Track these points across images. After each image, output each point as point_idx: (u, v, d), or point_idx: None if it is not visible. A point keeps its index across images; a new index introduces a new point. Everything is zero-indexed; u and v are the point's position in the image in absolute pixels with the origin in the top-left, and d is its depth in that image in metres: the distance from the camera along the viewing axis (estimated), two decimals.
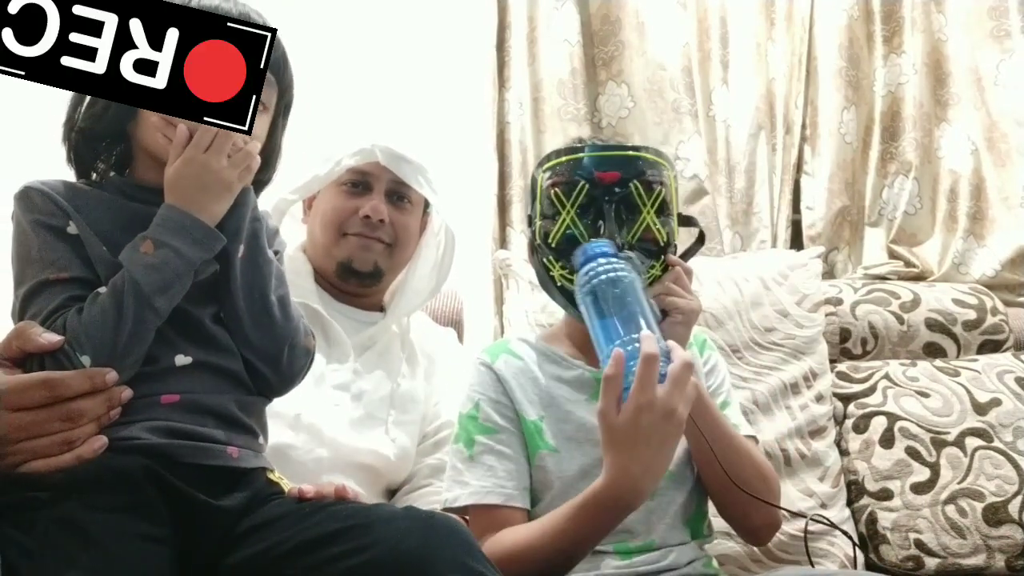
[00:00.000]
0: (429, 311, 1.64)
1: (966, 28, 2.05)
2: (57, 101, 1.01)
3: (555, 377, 1.23)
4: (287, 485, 1.00)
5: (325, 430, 1.26)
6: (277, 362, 1.01)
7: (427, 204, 1.45)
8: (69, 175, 1.02)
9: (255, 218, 1.00)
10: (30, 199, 0.95)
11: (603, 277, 1.05)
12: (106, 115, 0.98)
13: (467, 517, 1.18)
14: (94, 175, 1.02)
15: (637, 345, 0.98)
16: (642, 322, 1.01)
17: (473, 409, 1.21)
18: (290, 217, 1.43)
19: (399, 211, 1.40)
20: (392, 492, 1.37)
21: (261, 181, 1.03)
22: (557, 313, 1.68)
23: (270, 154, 1.06)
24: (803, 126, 2.06)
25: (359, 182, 1.39)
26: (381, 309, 1.47)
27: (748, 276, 1.74)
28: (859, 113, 2.05)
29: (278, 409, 1.11)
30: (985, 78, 2.03)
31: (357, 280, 1.40)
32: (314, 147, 1.41)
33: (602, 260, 1.07)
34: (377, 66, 1.97)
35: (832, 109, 2.03)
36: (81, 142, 1.01)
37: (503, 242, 1.98)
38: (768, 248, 1.99)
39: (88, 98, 1.00)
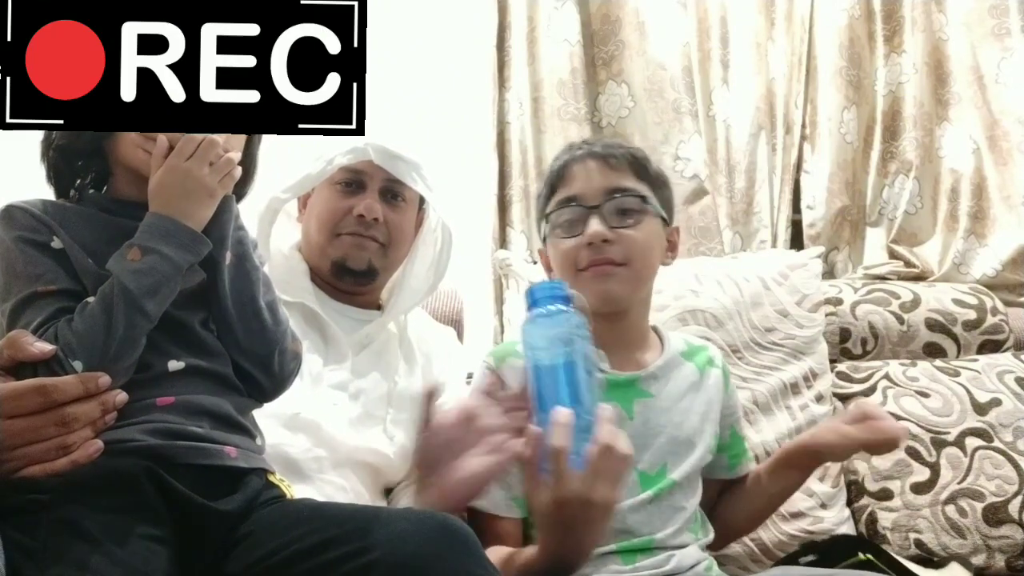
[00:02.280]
0: (429, 310, 1.64)
1: (967, 27, 2.04)
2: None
3: None
4: (287, 487, 1.00)
5: (324, 429, 1.26)
6: (269, 366, 1.02)
7: (423, 201, 1.45)
8: (47, 196, 1.02)
9: (239, 226, 1.01)
10: (11, 217, 0.96)
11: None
12: (83, 132, 0.98)
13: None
14: (73, 192, 1.03)
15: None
16: (565, 393, 0.94)
17: None
18: (285, 216, 1.43)
19: (393, 209, 1.40)
20: (390, 491, 1.37)
21: (238, 195, 1.03)
22: None
23: (248, 168, 1.06)
24: (803, 126, 2.06)
25: (352, 181, 1.38)
26: (378, 307, 1.47)
27: (748, 276, 1.74)
28: (860, 113, 2.05)
29: (276, 409, 1.11)
30: (987, 76, 2.03)
31: (352, 279, 1.40)
32: (310, 146, 1.41)
33: (551, 307, 0.98)
34: (376, 65, 1.97)
35: (832, 108, 2.02)
36: (59, 160, 1.02)
37: (503, 242, 1.97)
38: (768, 248, 1.99)
39: None
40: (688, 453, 1.21)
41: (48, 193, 1.03)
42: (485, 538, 1.10)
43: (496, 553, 1.10)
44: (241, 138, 1.03)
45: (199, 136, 0.94)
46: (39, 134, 1.02)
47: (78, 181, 1.03)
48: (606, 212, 1.19)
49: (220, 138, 0.96)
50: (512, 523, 1.16)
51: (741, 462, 1.34)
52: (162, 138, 0.94)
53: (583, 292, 1.15)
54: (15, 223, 0.95)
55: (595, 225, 1.18)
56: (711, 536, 1.25)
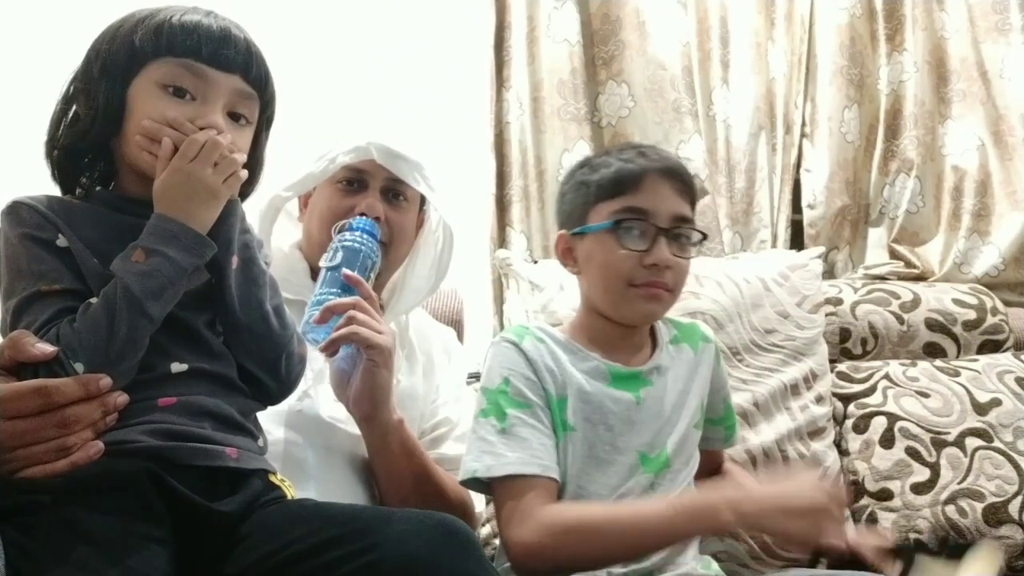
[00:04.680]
0: (429, 310, 1.64)
1: (970, 22, 2.05)
2: (41, 118, 1.02)
3: (573, 364, 1.23)
4: (289, 487, 1.00)
5: (325, 426, 1.26)
6: (276, 370, 1.02)
7: (424, 201, 1.45)
8: (53, 191, 1.02)
9: (244, 229, 1.00)
10: (18, 213, 0.95)
11: (348, 245, 1.21)
12: (90, 132, 0.98)
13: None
14: (78, 190, 1.02)
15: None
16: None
17: (503, 384, 1.20)
18: (286, 215, 1.43)
19: (395, 209, 1.39)
20: None
21: (243, 194, 1.03)
22: (557, 312, 1.69)
23: (253, 167, 1.06)
24: (803, 125, 2.06)
25: (354, 180, 1.38)
26: (379, 307, 1.46)
27: (748, 276, 1.74)
28: (862, 111, 2.05)
29: (278, 406, 1.11)
30: (991, 72, 2.03)
31: None
32: (312, 145, 1.41)
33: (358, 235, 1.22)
34: (376, 65, 1.97)
35: (833, 108, 2.03)
36: (64, 158, 1.01)
37: (502, 242, 1.98)
38: (768, 248, 1.99)
39: (70, 116, 1.01)
40: (689, 436, 1.24)
41: (54, 189, 1.03)
42: (525, 496, 1.12)
43: (583, 509, 1.13)
44: (248, 138, 1.03)
45: (202, 137, 0.94)
46: (43, 131, 1.02)
47: (83, 178, 1.02)
48: (670, 237, 1.21)
49: (225, 139, 0.96)
50: (555, 485, 1.16)
51: (735, 433, 1.37)
52: (167, 140, 0.93)
53: (627, 305, 1.22)
54: (21, 220, 0.95)
55: (664, 249, 1.20)
56: None
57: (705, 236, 1.28)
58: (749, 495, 1.10)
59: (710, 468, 1.34)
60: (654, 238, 1.19)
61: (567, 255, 1.29)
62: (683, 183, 1.24)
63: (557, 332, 1.28)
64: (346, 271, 1.18)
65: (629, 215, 1.21)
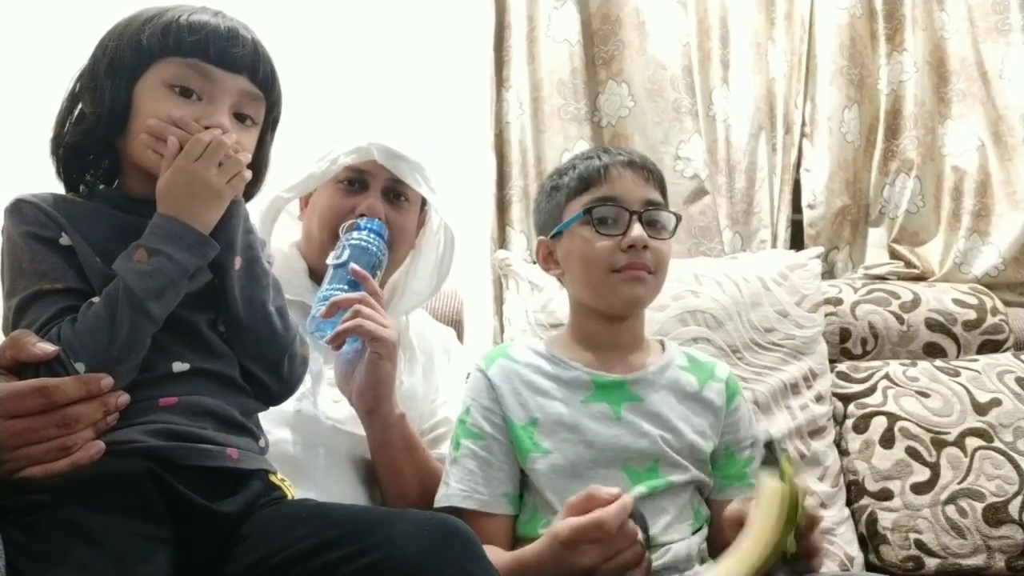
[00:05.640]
0: (429, 310, 1.64)
1: (970, 22, 2.05)
2: (46, 115, 1.02)
3: (553, 377, 1.24)
4: (289, 487, 1.00)
5: (324, 426, 1.27)
6: (278, 371, 1.02)
7: (425, 202, 1.45)
8: (57, 189, 1.02)
9: (248, 230, 1.01)
10: (21, 211, 0.95)
11: (355, 243, 1.25)
12: (95, 130, 0.98)
13: None
14: (82, 187, 1.02)
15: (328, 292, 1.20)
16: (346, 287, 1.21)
17: (464, 414, 1.24)
18: (286, 214, 1.43)
19: (396, 209, 1.40)
20: None
21: (248, 195, 1.03)
22: (557, 312, 1.69)
23: (259, 168, 1.06)
24: (803, 125, 2.06)
25: (356, 180, 1.38)
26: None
27: (747, 275, 1.74)
28: (862, 111, 2.05)
29: (276, 407, 1.11)
30: (991, 72, 2.03)
31: None
32: (313, 146, 1.41)
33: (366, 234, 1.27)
34: (376, 65, 1.97)
35: (833, 108, 2.03)
36: (70, 156, 1.01)
37: (502, 242, 1.98)
38: (768, 248, 1.99)
39: (76, 114, 1.00)
40: (684, 459, 1.20)
41: (57, 187, 1.02)
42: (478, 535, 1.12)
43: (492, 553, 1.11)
44: (253, 139, 1.03)
45: (207, 137, 0.94)
46: (50, 128, 1.02)
47: (88, 176, 1.02)
48: (644, 220, 1.23)
49: (230, 139, 0.96)
50: (504, 520, 1.18)
51: (730, 486, 1.25)
52: (173, 139, 0.94)
53: (612, 292, 1.22)
54: (24, 218, 0.94)
55: (639, 229, 1.21)
56: (706, 522, 1.23)
57: (679, 218, 1.29)
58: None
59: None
60: (628, 222, 1.22)
61: (548, 259, 1.31)
62: (647, 171, 1.27)
63: (541, 345, 1.30)
64: (353, 266, 1.21)
65: (600, 203, 1.23)
